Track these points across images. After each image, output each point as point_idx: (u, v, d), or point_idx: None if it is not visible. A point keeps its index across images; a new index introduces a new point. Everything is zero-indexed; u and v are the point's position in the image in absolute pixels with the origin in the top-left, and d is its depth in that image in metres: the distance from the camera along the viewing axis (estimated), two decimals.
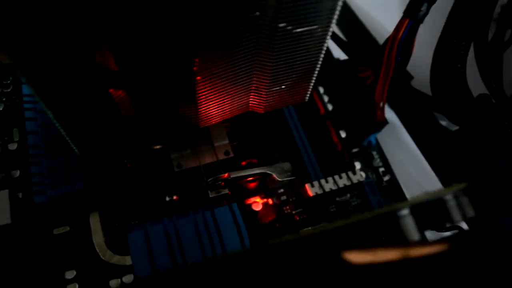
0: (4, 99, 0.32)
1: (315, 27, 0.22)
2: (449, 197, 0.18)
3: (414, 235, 0.18)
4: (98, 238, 0.28)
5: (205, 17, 0.19)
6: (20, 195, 0.28)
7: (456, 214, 0.18)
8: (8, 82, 0.32)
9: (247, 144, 0.31)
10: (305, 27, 0.22)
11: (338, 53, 0.36)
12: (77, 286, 0.26)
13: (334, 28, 0.23)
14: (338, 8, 0.21)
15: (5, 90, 0.32)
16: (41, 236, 0.27)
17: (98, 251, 0.27)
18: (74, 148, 0.24)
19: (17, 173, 0.29)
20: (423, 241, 0.18)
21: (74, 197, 0.27)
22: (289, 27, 0.21)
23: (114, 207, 0.29)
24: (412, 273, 0.17)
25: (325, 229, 0.17)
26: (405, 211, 0.18)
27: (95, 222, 0.28)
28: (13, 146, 0.30)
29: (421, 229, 0.18)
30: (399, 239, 0.18)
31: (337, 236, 0.17)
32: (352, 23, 0.39)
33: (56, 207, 0.28)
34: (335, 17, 0.22)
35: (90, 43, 0.19)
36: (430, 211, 0.18)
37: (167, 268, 0.25)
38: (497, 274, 0.17)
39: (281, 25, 0.21)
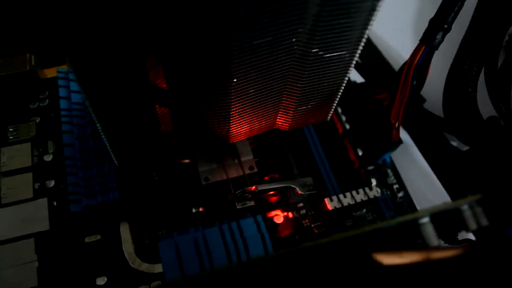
0: (40, 112, 0.33)
1: (344, 52, 0.24)
2: (465, 207, 0.19)
3: (434, 240, 0.19)
4: (128, 246, 0.29)
5: (247, 42, 0.21)
6: (55, 203, 0.30)
7: (471, 223, 0.20)
8: (45, 96, 0.34)
9: (269, 160, 0.33)
10: (335, 52, 0.24)
11: (354, 76, 0.38)
12: None
13: None
14: (365, 36, 0.23)
15: (41, 104, 0.33)
16: (74, 243, 0.29)
17: (127, 258, 0.29)
18: (114, 159, 0.25)
19: (52, 183, 0.30)
20: (442, 246, 0.19)
21: (108, 206, 0.29)
22: (321, 52, 0.23)
23: (143, 218, 0.30)
24: (433, 273, 0.19)
25: (355, 234, 0.18)
26: (425, 219, 0.19)
27: (125, 231, 0.29)
28: (48, 158, 0.31)
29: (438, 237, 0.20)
30: (421, 245, 0.19)
31: (366, 240, 0.19)
32: (366, 47, 0.41)
33: (90, 216, 0.29)
34: (362, 43, 0.24)
35: (146, 60, 0.20)
36: (448, 219, 0.20)
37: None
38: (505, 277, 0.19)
39: (314, 50, 0.23)
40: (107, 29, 0.17)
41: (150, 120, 0.23)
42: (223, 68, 0.22)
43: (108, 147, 0.24)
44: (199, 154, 0.31)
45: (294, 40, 0.22)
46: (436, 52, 0.31)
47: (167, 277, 0.26)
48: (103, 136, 0.23)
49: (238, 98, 0.24)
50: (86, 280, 0.28)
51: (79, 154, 0.29)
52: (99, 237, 0.29)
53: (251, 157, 0.32)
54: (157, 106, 0.23)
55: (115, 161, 0.25)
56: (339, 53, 0.24)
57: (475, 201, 0.20)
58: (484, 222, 0.19)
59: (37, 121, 0.33)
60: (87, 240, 0.29)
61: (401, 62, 0.32)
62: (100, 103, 0.21)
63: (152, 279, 0.28)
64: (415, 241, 0.19)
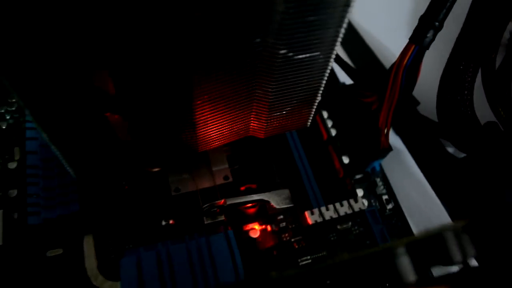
0: (8, 117, 0.32)
1: (316, 53, 0.22)
2: (448, 235, 0.17)
3: (410, 275, 0.17)
4: (90, 262, 0.27)
5: (206, 42, 0.19)
6: (16, 215, 0.28)
7: (456, 254, 0.17)
8: (13, 100, 0.32)
9: (247, 168, 0.31)
10: (306, 54, 0.21)
11: (344, 77, 0.35)
12: None
13: (340, 51, 0.22)
14: (341, 35, 0.21)
15: (9, 109, 0.32)
16: (34, 258, 0.27)
17: (89, 275, 0.27)
18: (70, 170, 0.23)
19: (15, 192, 0.29)
20: (422, 282, 0.17)
21: (68, 219, 0.27)
22: (290, 54, 0.21)
23: (108, 230, 0.28)
24: None
25: (313, 269, 0.16)
26: (400, 250, 0.17)
27: (88, 245, 0.27)
28: (12, 165, 0.29)
29: (426, 266, 0.17)
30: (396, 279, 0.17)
31: (329, 275, 0.17)
32: (359, 47, 0.38)
33: (51, 228, 0.27)
34: (338, 44, 0.21)
35: (88, 66, 0.18)
36: (428, 250, 0.17)
37: None
38: None
39: (282, 52, 0.21)
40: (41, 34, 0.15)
41: (101, 128, 0.21)
42: (182, 70, 0.19)
43: (60, 159, 0.22)
44: (171, 163, 0.28)
45: (258, 40, 0.20)
46: (432, 51, 0.28)
47: None
48: (52, 148, 0.21)
49: (201, 102, 0.22)
50: None
51: (42, 163, 0.27)
52: (61, 251, 0.27)
53: (225, 166, 0.29)
54: (108, 114, 0.21)
55: (71, 173, 0.23)
56: (311, 55, 0.22)
57: (461, 227, 0.17)
58: (471, 252, 0.17)
59: (4, 127, 0.31)
60: (49, 254, 0.27)
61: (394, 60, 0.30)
62: (42, 111, 0.19)
63: None
64: (389, 275, 0.17)
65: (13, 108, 0.32)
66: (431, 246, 0.17)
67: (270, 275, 0.16)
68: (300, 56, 0.21)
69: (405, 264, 0.16)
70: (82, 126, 0.20)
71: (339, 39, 0.21)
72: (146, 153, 0.26)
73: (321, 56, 0.22)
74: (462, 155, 0.33)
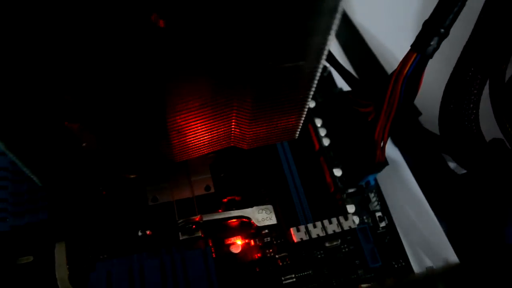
0: None
1: (301, 63, 0.20)
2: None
3: None
4: (61, 271, 0.26)
5: (179, 48, 0.17)
6: None
7: None
8: None
9: (232, 178, 0.29)
10: (290, 63, 0.19)
11: (342, 82, 0.33)
12: None
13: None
14: (328, 43, 0.19)
15: None
16: (4, 265, 0.26)
17: (60, 286, 0.25)
18: (34, 178, 0.22)
19: None
20: None
21: (38, 226, 0.25)
22: (270, 63, 0.19)
23: (81, 239, 0.27)
24: None
25: None
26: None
27: (60, 254, 0.26)
28: None
29: None
30: None
31: None
32: (360, 49, 0.36)
33: (21, 235, 0.26)
34: (325, 53, 0.19)
35: (43, 74, 0.17)
36: None
37: None
38: None
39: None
40: None
41: (60, 137, 0.19)
42: (151, 74, 0.18)
43: (21, 168, 0.20)
44: (147, 170, 0.27)
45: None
46: (437, 57, 0.26)
47: None
48: (11, 156, 0.19)
49: (175, 112, 0.20)
50: None
51: (11, 165, 0.26)
52: (31, 258, 0.26)
53: (207, 175, 0.28)
54: (66, 123, 0.19)
55: (36, 181, 0.22)
56: (294, 63, 0.19)
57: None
58: None
59: None
60: (19, 262, 0.26)
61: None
62: None
63: None
64: None
65: None
66: None
67: None
68: (282, 66, 0.19)
69: None
70: (40, 134, 0.19)
71: (327, 48, 0.19)
72: (119, 160, 0.24)
73: (306, 66, 0.20)
74: (463, 171, 0.30)
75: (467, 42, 0.28)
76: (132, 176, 0.27)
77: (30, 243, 0.26)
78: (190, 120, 0.21)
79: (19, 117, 0.18)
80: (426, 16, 0.26)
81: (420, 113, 0.32)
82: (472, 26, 0.28)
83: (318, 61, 0.20)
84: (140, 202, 0.27)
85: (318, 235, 0.27)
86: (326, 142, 0.30)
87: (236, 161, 0.29)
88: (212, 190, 0.27)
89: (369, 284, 0.27)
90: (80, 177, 0.24)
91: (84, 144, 0.21)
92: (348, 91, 0.32)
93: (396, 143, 0.33)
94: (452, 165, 0.31)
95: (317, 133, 0.30)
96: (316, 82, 0.21)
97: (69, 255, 0.26)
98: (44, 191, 0.25)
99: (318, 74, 0.21)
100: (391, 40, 0.36)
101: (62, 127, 0.19)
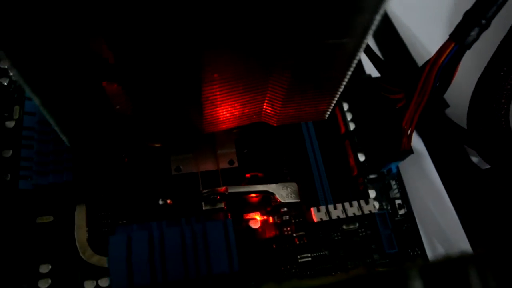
0: (11, 73, 0.30)
1: (345, 40, 0.19)
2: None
3: None
4: (81, 233, 0.26)
5: (222, 15, 0.16)
6: (8, 177, 0.26)
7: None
8: None
9: (255, 154, 0.29)
10: (334, 39, 0.19)
11: (370, 68, 0.32)
12: (49, 281, 0.25)
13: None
14: (375, 23, 0.18)
15: None
16: (23, 224, 0.26)
17: (78, 247, 0.26)
18: (63, 138, 0.22)
19: (9, 153, 0.27)
20: None
21: (60, 188, 0.25)
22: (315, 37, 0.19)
23: (102, 203, 0.27)
24: None
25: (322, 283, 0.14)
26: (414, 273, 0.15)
27: (80, 216, 0.26)
28: (10, 124, 0.28)
29: None
30: None
31: None
32: (390, 37, 0.35)
33: (43, 195, 0.26)
34: (371, 32, 0.19)
35: (84, 30, 0.16)
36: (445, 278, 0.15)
37: (144, 282, 0.23)
38: None
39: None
40: None
41: (97, 98, 0.19)
42: (191, 43, 0.17)
43: (53, 125, 0.20)
44: (173, 140, 0.27)
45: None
46: (471, 50, 0.26)
47: (111, 276, 0.23)
48: (44, 113, 0.19)
49: (211, 83, 0.20)
50: (28, 266, 0.25)
51: (38, 125, 0.26)
52: (51, 218, 0.26)
53: (232, 149, 0.28)
54: (105, 83, 0.19)
55: (65, 141, 0.22)
56: (338, 40, 0.19)
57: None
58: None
59: (5, 83, 0.29)
60: (38, 221, 0.26)
61: (427, 58, 0.27)
62: (33, 73, 0.17)
63: (101, 274, 0.25)
64: None
65: None
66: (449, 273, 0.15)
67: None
68: (326, 42, 0.19)
69: None
70: (77, 93, 0.19)
71: (373, 27, 0.19)
72: (147, 128, 0.24)
73: (350, 44, 0.19)
74: (486, 166, 0.30)
75: (505, 37, 0.28)
76: (157, 145, 0.26)
77: (51, 203, 0.26)
78: (226, 92, 0.21)
79: (58, 73, 0.17)
80: (459, 9, 0.26)
81: (447, 105, 0.32)
82: (511, 21, 0.28)
83: (362, 40, 0.19)
84: (163, 171, 0.27)
85: (338, 216, 0.27)
86: (352, 126, 0.30)
87: (260, 138, 0.29)
88: (236, 165, 0.27)
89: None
90: (108, 141, 0.24)
91: (118, 107, 0.20)
92: (377, 77, 0.31)
93: (420, 133, 0.32)
94: (475, 159, 0.31)
95: (344, 116, 0.30)
96: (356, 62, 0.21)
97: (89, 217, 0.26)
98: (70, 153, 0.25)
99: (360, 53, 0.20)
100: (422, 29, 0.36)
101: (99, 86, 0.19)
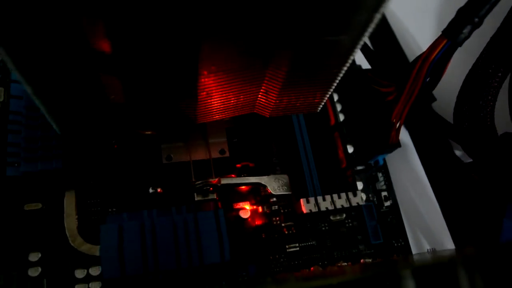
0: None
1: (343, 37, 0.19)
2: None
3: None
4: (70, 221, 0.26)
5: (217, 6, 0.16)
6: None
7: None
8: None
9: (246, 144, 0.29)
10: (331, 36, 0.19)
11: (361, 59, 0.33)
12: (39, 270, 0.24)
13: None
14: (375, 22, 0.18)
15: None
16: (10, 211, 0.25)
17: (68, 235, 0.25)
18: (54, 126, 0.21)
19: None
20: None
21: (49, 175, 0.25)
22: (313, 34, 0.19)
23: (92, 190, 0.26)
24: None
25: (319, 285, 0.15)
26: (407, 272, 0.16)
27: (70, 203, 0.26)
28: None
29: None
30: None
31: None
32: (382, 30, 0.35)
33: (31, 181, 0.26)
34: (369, 30, 0.19)
35: (81, 21, 0.16)
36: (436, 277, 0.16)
37: (136, 271, 0.23)
38: None
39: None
40: None
41: (92, 88, 0.19)
42: (189, 33, 0.17)
43: (44, 113, 0.20)
44: (165, 129, 0.26)
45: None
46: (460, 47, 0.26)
47: (103, 265, 0.23)
48: (36, 101, 0.19)
49: (207, 75, 0.20)
50: (17, 254, 0.25)
51: (26, 110, 0.25)
52: (40, 205, 0.26)
53: (223, 139, 0.28)
54: (101, 73, 0.18)
55: (56, 128, 0.21)
56: (337, 38, 0.19)
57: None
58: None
59: None
60: (26, 208, 0.26)
61: (418, 53, 0.27)
62: (26, 62, 0.17)
63: (92, 262, 0.25)
64: None
65: None
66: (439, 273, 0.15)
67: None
68: (325, 39, 0.19)
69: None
70: (72, 84, 0.18)
71: (372, 25, 0.19)
72: (140, 117, 0.24)
73: (348, 41, 0.20)
74: (469, 159, 0.31)
75: (494, 36, 0.28)
76: (148, 133, 0.26)
77: (40, 190, 0.26)
78: (222, 84, 0.21)
79: (54, 64, 0.17)
80: (451, 5, 0.26)
81: (434, 99, 0.32)
82: (500, 20, 0.28)
83: (359, 38, 0.19)
84: (153, 160, 0.27)
85: (326, 208, 0.27)
86: (341, 117, 0.30)
87: (250, 128, 0.29)
88: (227, 154, 0.27)
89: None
90: (99, 129, 0.23)
91: (112, 97, 0.20)
92: (367, 69, 0.31)
93: (407, 126, 0.33)
94: (458, 153, 0.32)
95: (334, 107, 0.30)
96: (352, 58, 0.21)
97: (79, 205, 0.26)
98: (59, 139, 0.25)
99: (357, 51, 0.20)
100: (413, 23, 0.36)
101: (96, 78, 0.18)
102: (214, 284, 0.25)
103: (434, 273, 0.15)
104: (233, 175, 0.27)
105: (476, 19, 0.25)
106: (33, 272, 0.24)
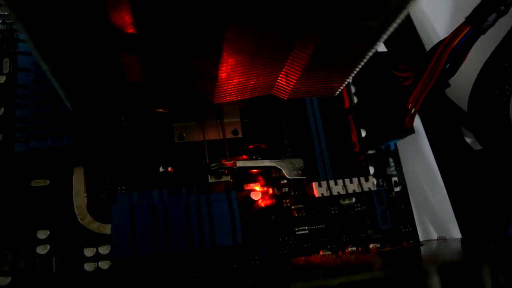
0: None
1: (373, 24, 0.19)
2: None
3: None
4: (79, 199, 0.25)
5: None
6: (1, 137, 0.25)
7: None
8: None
9: (258, 125, 0.28)
10: (362, 21, 0.18)
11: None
12: (48, 247, 0.24)
13: None
14: (407, 10, 0.18)
15: (1, 12, 0.27)
16: (18, 187, 0.25)
17: (77, 213, 0.25)
18: (67, 103, 0.21)
19: (1, 111, 0.26)
20: None
21: (58, 152, 0.24)
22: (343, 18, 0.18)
23: (101, 168, 0.26)
24: None
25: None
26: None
27: (79, 181, 0.25)
28: (1, 79, 0.26)
29: None
30: None
31: None
32: None
33: (39, 157, 0.25)
34: (401, 17, 0.18)
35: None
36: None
37: (147, 252, 0.22)
38: None
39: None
40: None
41: (111, 68, 0.18)
42: (216, 12, 0.16)
43: (58, 90, 0.19)
44: (179, 108, 0.26)
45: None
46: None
47: (114, 245, 0.22)
48: (51, 78, 0.18)
49: (229, 56, 0.19)
50: (26, 232, 0.24)
51: (34, 84, 0.24)
52: (48, 182, 0.25)
53: (237, 119, 0.27)
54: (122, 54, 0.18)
55: (69, 105, 0.21)
56: (367, 23, 0.18)
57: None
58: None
59: None
60: (33, 184, 0.25)
61: (434, 39, 0.27)
62: (46, 38, 0.16)
63: (102, 241, 0.25)
64: None
65: (6, 13, 0.28)
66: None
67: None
68: (354, 23, 0.18)
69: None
70: (91, 63, 0.17)
71: (405, 12, 0.18)
72: (156, 95, 0.23)
73: (377, 27, 0.19)
74: (479, 147, 0.31)
75: None
76: (160, 110, 0.26)
77: (48, 167, 0.25)
78: (244, 64, 0.20)
79: (74, 41, 0.16)
80: None
81: (448, 85, 0.32)
82: None
83: (390, 24, 0.19)
84: (165, 138, 0.26)
85: (338, 192, 0.27)
86: (355, 100, 0.30)
87: (263, 109, 0.29)
88: (240, 135, 0.27)
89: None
90: (111, 106, 0.23)
91: (130, 76, 0.19)
92: (383, 52, 0.31)
93: (419, 112, 0.33)
94: (469, 140, 0.31)
95: (348, 90, 0.30)
96: (379, 44, 0.20)
97: (88, 182, 0.26)
98: (69, 115, 0.24)
99: (384, 38, 0.20)
100: (433, 10, 0.35)
101: (116, 57, 0.17)
102: (225, 267, 0.25)
103: (459, 270, 0.15)
104: (245, 156, 0.27)
105: (503, 7, 0.24)
106: (42, 250, 0.24)
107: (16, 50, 0.26)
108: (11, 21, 0.27)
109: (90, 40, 0.16)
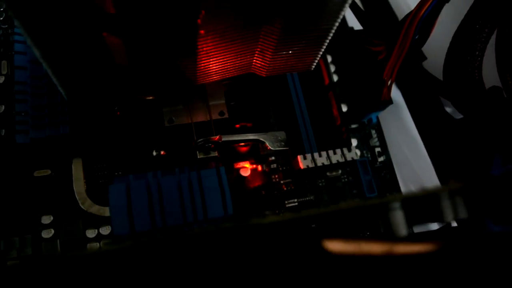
0: None
1: None
2: (444, 195, 0.17)
3: (402, 230, 0.17)
4: (79, 185, 0.27)
5: None
6: (3, 132, 0.27)
7: (448, 213, 0.17)
8: (1, 9, 0.30)
9: (244, 106, 0.30)
10: None
11: (353, 21, 0.33)
12: (52, 231, 0.26)
13: None
14: None
15: None
16: (22, 178, 0.26)
17: (77, 198, 0.27)
18: (61, 90, 0.22)
19: (2, 108, 0.27)
20: (410, 238, 0.17)
21: (57, 141, 0.26)
22: None
23: (98, 155, 0.28)
24: (393, 270, 0.17)
25: (310, 214, 0.16)
26: (396, 205, 0.17)
27: (77, 168, 0.27)
28: (0, 80, 0.28)
29: (410, 224, 0.17)
30: (387, 234, 0.17)
31: (322, 222, 0.17)
32: None
33: (40, 148, 0.27)
34: None
35: None
36: (422, 208, 0.17)
37: (144, 228, 0.24)
38: (481, 277, 0.17)
39: None
40: None
41: (97, 48, 0.20)
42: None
43: (51, 77, 0.21)
44: (166, 92, 0.27)
45: None
46: (447, 5, 0.27)
47: (113, 224, 0.24)
48: (44, 65, 0.20)
49: (206, 32, 0.21)
50: (31, 217, 0.26)
51: (31, 80, 0.26)
52: (49, 172, 0.27)
53: (222, 101, 0.29)
54: (105, 34, 0.19)
55: (63, 93, 0.22)
56: None
57: (456, 190, 0.17)
58: (463, 214, 0.17)
59: None
60: (36, 174, 0.27)
61: (407, 11, 0.28)
62: (36, 25, 0.17)
63: (102, 222, 0.27)
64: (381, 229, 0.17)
65: (1, 18, 0.30)
66: (426, 204, 0.17)
67: (268, 218, 0.16)
68: None
69: (398, 218, 0.16)
70: (77, 44, 0.19)
71: None
72: (141, 79, 0.24)
73: None
74: (460, 116, 0.32)
75: None
76: (149, 98, 0.27)
77: (49, 157, 0.27)
78: (220, 42, 0.22)
79: (59, 24, 0.18)
80: None
81: (425, 58, 0.33)
82: None
83: None
84: (156, 123, 0.28)
85: (323, 163, 0.28)
86: (335, 78, 0.31)
87: (247, 89, 0.30)
88: (226, 115, 0.28)
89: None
90: (103, 93, 0.24)
91: (116, 58, 0.21)
92: (359, 30, 0.32)
93: (399, 85, 0.34)
94: (449, 110, 0.33)
95: (328, 68, 0.31)
96: (343, 13, 0.22)
97: (86, 169, 0.27)
98: (65, 105, 0.26)
99: (347, 6, 0.21)
100: None
101: (100, 37, 0.19)
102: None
103: (421, 204, 0.16)
104: None
105: None
106: (47, 234, 0.26)
107: (13, 52, 0.28)
108: (6, 25, 0.29)
109: (74, 20, 0.17)
